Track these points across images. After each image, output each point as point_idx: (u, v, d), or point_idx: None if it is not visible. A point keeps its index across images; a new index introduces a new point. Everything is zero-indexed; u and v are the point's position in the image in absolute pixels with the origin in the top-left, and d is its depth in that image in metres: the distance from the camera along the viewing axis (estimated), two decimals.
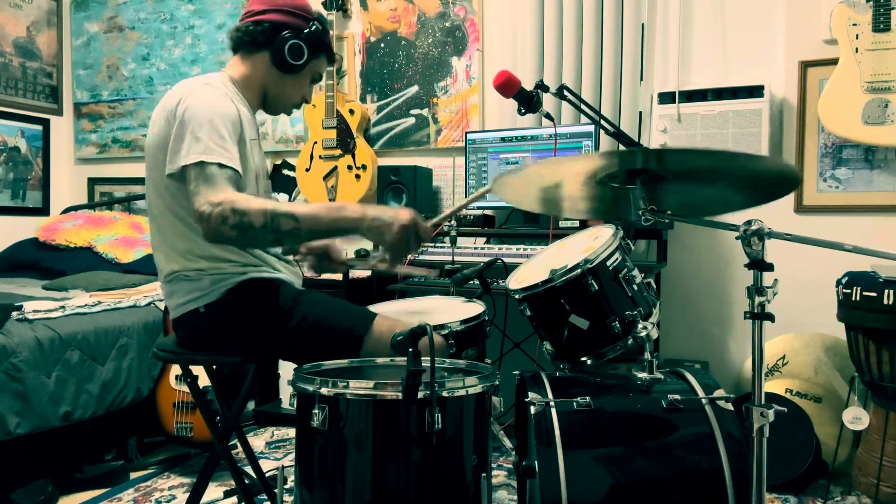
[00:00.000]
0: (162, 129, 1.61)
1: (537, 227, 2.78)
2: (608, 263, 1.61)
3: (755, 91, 2.65)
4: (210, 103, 1.58)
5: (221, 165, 1.51)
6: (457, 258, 2.64)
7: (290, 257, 1.85)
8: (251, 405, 3.07)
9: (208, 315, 1.63)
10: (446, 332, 1.67)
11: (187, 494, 2.02)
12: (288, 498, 2.05)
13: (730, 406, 1.45)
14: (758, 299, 1.23)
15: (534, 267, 1.79)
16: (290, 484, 2.11)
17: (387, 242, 1.48)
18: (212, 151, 1.51)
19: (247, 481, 1.87)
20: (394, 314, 1.69)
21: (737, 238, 1.24)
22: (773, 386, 2.41)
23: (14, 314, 2.33)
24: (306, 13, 1.75)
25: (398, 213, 1.48)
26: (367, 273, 2.95)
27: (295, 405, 1.28)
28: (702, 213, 1.62)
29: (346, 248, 1.84)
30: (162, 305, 2.78)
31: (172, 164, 1.54)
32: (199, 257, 1.63)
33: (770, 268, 1.23)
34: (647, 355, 1.58)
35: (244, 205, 1.45)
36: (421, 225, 1.50)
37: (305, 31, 1.72)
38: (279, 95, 1.79)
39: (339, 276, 3.00)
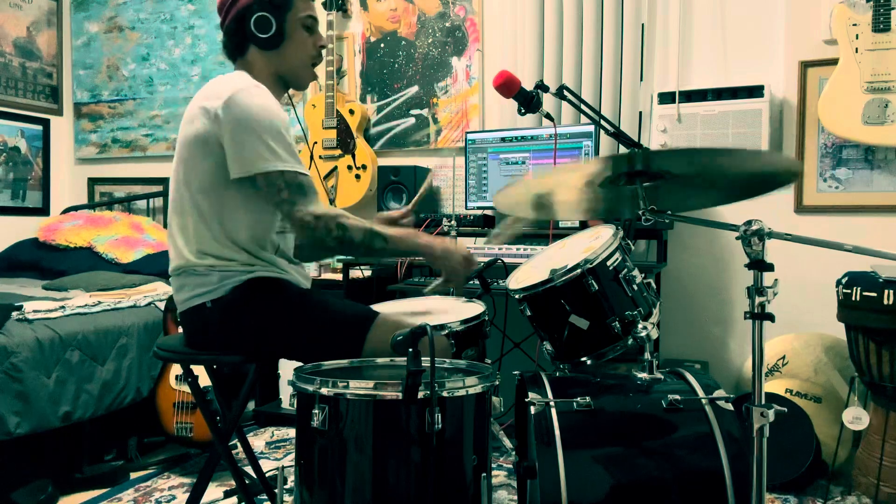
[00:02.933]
0: (203, 125, 1.59)
1: (537, 227, 2.78)
2: (608, 263, 1.61)
3: (755, 91, 2.65)
4: (269, 108, 1.59)
5: (306, 176, 1.60)
6: None
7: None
8: (251, 405, 3.07)
9: (215, 310, 1.63)
10: (446, 332, 1.67)
11: (187, 494, 2.02)
12: (288, 498, 2.05)
13: (730, 406, 1.45)
14: (758, 299, 1.23)
15: (534, 267, 1.79)
16: (290, 484, 2.11)
17: (451, 269, 1.68)
18: (294, 162, 1.59)
19: (247, 481, 1.87)
20: (394, 314, 1.69)
21: (737, 238, 1.24)
22: (773, 386, 2.41)
23: (14, 314, 2.33)
24: None
25: (458, 246, 1.69)
26: (368, 272, 2.95)
27: (295, 405, 1.28)
28: (703, 202, 1.66)
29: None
30: (162, 305, 2.78)
31: (244, 166, 1.56)
32: (209, 255, 1.64)
33: (770, 268, 1.24)
34: (647, 355, 1.58)
35: (346, 222, 1.60)
36: (473, 256, 1.71)
37: None
38: (291, 69, 1.76)
39: (339, 276, 3.00)
